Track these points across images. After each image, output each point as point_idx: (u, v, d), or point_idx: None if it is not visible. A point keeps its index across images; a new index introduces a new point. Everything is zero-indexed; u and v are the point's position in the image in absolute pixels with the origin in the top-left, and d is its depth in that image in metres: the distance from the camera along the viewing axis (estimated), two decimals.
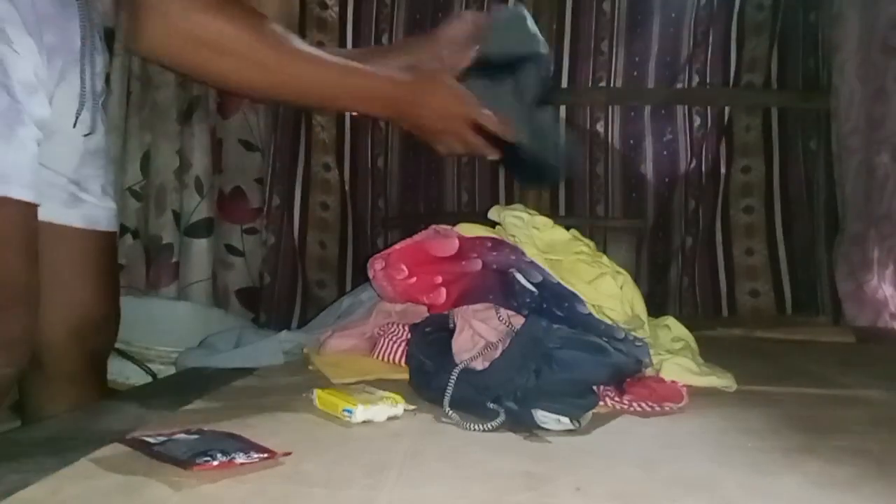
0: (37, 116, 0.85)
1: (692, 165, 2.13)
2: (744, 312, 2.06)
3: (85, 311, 1.01)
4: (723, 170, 2.10)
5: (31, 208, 0.85)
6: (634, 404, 0.84)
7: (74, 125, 0.93)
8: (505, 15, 1.12)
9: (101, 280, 1.04)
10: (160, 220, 1.95)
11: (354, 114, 1.00)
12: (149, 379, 1.38)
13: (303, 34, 2.13)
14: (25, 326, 0.86)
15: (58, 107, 0.90)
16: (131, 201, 1.96)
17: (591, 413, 0.77)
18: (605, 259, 1.04)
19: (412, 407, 0.79)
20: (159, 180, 1.95)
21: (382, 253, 1.08)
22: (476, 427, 0.74)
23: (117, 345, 1.24)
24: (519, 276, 0.99)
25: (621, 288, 0.98)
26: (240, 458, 0.59)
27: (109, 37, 1.08)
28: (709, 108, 2.13)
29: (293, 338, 1.15)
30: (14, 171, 0.82)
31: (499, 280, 1.02)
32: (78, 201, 0.98)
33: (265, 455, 0.61)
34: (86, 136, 0.95)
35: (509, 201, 2.20)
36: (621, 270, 1.03)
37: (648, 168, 2.17)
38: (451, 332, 0.93)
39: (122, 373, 1.39)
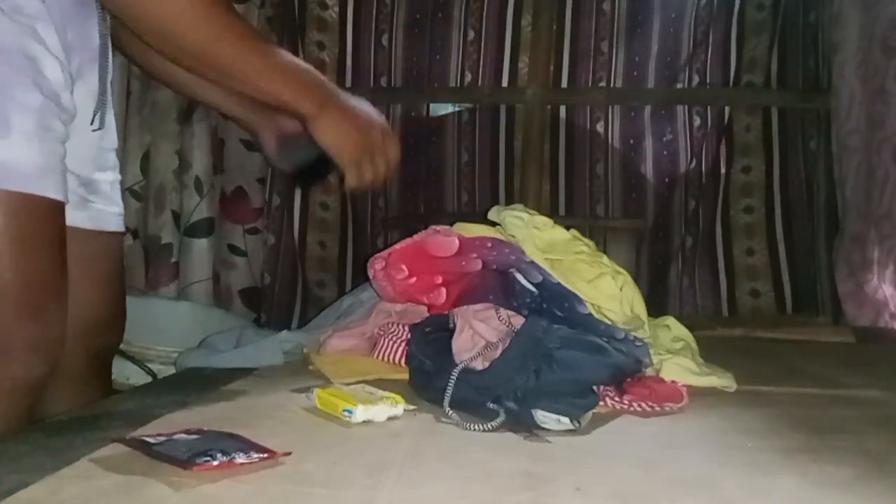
0: (65, 115, 0.86)
1: (692, 165, 2.13)
2: (744, 312, 2.06)
3: (92, 312, 1.01)
4: (723, 170, 2.10)
5: (61, 207, 0.86)
6: (634, 404, 0.84)
7: (92, 122, 0.94)
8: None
9: (108, 281, 1.05)
10: (159, 221, 1.95)
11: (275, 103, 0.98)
12: (149, 379, 1.38)
13: (303, 34, 2.13)
14: (60, 326, 0.86)
15: (74, 102, 0.90)
16: (131, 201, 1.96)
17: (591, 413, 0.77)
18: (605, 259, 1.04)
19: (412, 407, 0.79)
20: (159, 180, 1.95)
21: (382, 253, 1.08)
22: (476, 427, 0.74)
23: None
24: (519, 276, 0.99)
25: (621, 288, 0.98)
26: (240, 458, 0.59)
27: None
28: (709, 108, 2.13)
29: (293, 338, 1.15)
30: (48, 169, 0.83)
31: (499, 280, 1.02)
32: (86, 203, 0.98)
33: (265, 455, 0.61)
34: (95, 131, 0.96)
35: (509, 201, 2.19)
36: (621, 270, 1.03)
37: (648, 168, 2.17)
38: (451, 332, 0.93)
39: (121, 373, 1.39)
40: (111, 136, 1.03)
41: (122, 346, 1.32)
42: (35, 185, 0.82)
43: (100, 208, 1.00)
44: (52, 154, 0.84)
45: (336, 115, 0.98)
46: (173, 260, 1.95)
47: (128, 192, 1.95)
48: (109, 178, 1.03)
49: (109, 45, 0.96)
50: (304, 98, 0.95)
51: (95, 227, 1.00)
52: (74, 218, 0.94)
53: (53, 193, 0.83)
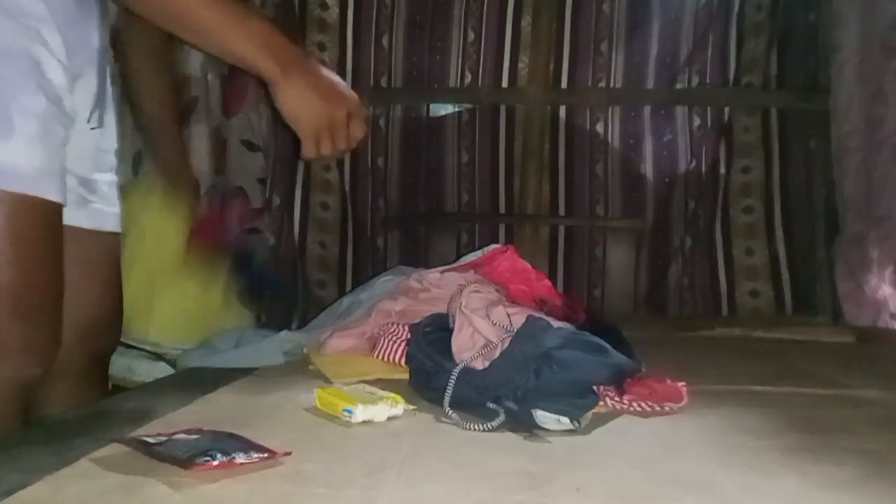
0: (66, 120, 0.86)
1: (692, 165, 2.12)
2: (744, 312, 2.06)
3: (90, 313, 1.01)
4: (722, 170, 2.10)
5: (59, 209, 0.86)
6: (634, 404, 0.84)
7: (88, 120, 0.94)
8: None
9: (107, 283, 1.05)
10: None
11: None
12: (156, 372, 1.38)
13: (303, 34, 2.13)
14: (55, 328, 0.86)
15: (74, 105, 0.90)
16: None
17: (591, 413, 0.77)
18: None
19: (412, 407, 0.80)
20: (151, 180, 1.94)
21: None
22: (476, 427, 0.74)
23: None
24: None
25: None
26: (240, 458, 0.59)
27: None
28: (709, 108, 2.13)
29: (293, 338, 1.16)
30: (49, 172, 0.83)
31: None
32: (85, 202, 0.98)
33: (265, 455, 0.61)
34: (93, 129, 0.96)
35: (509, 201, 2.20)
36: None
37: (648, 168, 2.16)
38: (451, 332, 0.93)
39: (128, 368, 1.40)
40: (110, 137, 1.03)
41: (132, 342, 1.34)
42: (35, 187, 0.82)
43: (99, 208, 1.00)
44: (54, 157, 0.84)
45: (301, 82, 0.90)
46: None
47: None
48: (108, 179, 1.03)
49: (108, 45, 0.96)
50: (266, 58, 0.87)
51: (94, 227, 1.00)
52: (73, 217, 0.94)
53: (52, 195, 0.84)
